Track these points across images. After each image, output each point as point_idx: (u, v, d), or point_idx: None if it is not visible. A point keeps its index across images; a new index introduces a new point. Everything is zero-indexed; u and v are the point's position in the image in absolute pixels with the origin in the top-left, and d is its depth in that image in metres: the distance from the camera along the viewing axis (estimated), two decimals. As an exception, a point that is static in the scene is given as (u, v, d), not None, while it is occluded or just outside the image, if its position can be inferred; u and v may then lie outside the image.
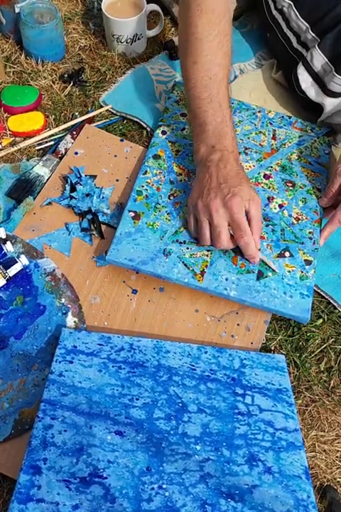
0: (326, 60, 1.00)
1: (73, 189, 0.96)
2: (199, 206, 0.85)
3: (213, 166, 0.87)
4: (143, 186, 0.95)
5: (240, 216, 0.83)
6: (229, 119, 0.91)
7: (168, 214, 0.91)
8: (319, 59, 1.01)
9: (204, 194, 0.85)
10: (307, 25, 1.04)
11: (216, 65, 0.93)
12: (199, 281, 0.85)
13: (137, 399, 0.73)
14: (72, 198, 0.95)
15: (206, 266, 0.86)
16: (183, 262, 0.86)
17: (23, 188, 0.96)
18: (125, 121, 1.11)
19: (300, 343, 0.87)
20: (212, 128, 0.90)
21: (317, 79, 1.03)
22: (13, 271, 0.85)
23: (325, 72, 1.01)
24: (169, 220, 0.91)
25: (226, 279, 0.85)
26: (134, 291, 0.88)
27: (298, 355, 0.86)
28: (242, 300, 0.85)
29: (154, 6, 1.20)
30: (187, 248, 0.88)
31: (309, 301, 0.85)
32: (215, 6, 0.94)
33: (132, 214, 0.91)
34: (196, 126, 0.92)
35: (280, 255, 0.89)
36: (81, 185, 0.96)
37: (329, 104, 1.03)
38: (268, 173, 0.99)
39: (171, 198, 0.94)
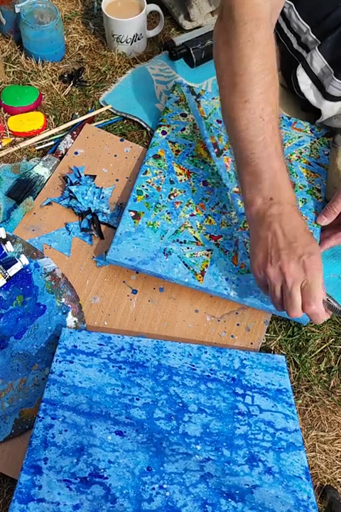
0: (326, 62, 1.00)
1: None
2: (271, 274, 0.75)
3: (275, 221, 0.77)
4: (143, 186, 0.95)
5: (315, 280, 0.73)
6: (285, 167, 0.81)
7: (168, 214, 0.91)
8: (319, 61, 1.01)
9: (272, 257, 0.75)
10: (307, 26, 1.04)
11: (269, 104, 0.82)
12: (199, 281, 0.85)
13: (137, 399, 0.73)
14: (71, 198, 0.95)
15: (206, 266, 0.86)
16: (183, 262, 0.86)
17: (23, 188, 0.96)
18: (125, 121, 1.11)
19: (300, 343, 0.87)
20: (269, 178, 0.79)
21: (317, 81, 1.03)
22: (13, 271, 0.85)
23: (325, 75, 1.01)
24: (169, 220, 0.91)
25: (227, 279, 0.86)
26: (134, 291, 0.88)
27: (298, 355, 0.86)
28: (242, 300, 0.85)
29: (154, 6, 1.20)
30: (188, 248, 0.88)
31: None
32: (268, 36, 0.83)
33: (132, 214, 0.91)
34: (248, 174, 0.81)
35: (281, 255, 0.89)
36: (80, 184, 0.96)
37: (328, 107, 1.03)
38: (268, 173, 0.99)
39: (171, 197, 0.94)
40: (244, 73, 0.81)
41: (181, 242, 0.88)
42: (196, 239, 0.89)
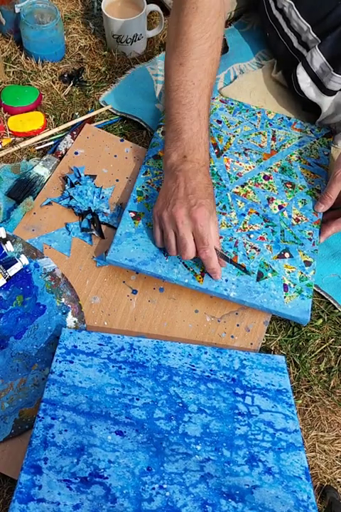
0: (325, 60, 1.00)
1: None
2: (164, 217, 0.82)
3: (182, 175, 0.84)
4: (143, 187, 0.95)
5: (204, 228, 0.80)
6: (205, 131, 0.88)
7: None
8: (318, 59, 1.01)
9: (170, 204, 0.82)
10: (308, 25, 1.04)
11: (202, 71, 0.89)
12: (199, 281, 0.85)
13: (137, 399, 0.73)
14: (71, 198, 0.95)
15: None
16: (183, 263, 0.86)
17: (23, 188, 0.96)
18: (125, 121, 1.11)
19: (300, 343, 0.87)
20: (188, 137, 0.86)
21: (316, 79, 1.03)
22: (13, 271, 0.85)
23: (324, 73, 1.01)
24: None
25: (226, 280, 0.86)
26: (134, 292, 0.88)
27: (298, 355, 0.86)
28: (242, 301, 0.85)
29: (154, 6, 1.20)
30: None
31: (309, 302, 0.85)
32: (212, 5, 0.89)
33: (132, 214, 0.91)
34: (171, 131, 0.89)
35: (280, 256, 0.89)
36: (80, 184, 0.96)
37: (328, 102, 1.03)
38: (267, 174, 0.99)
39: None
40: (183, 38, 0.89)
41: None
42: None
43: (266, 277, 0.87)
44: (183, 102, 0.88)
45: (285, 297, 0.85)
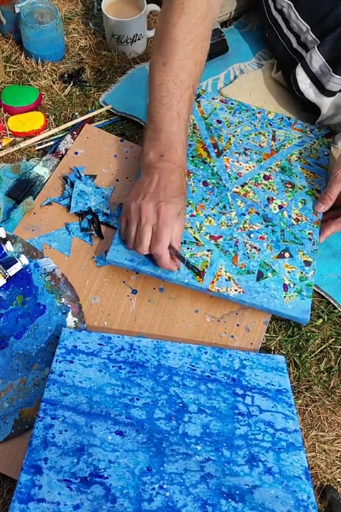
0: (324, 61, 1.00)
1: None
2: (132, 208, 0.84)
3: (157, 173, 0.85)
4: (143, 186, 0.95)
5: (164, 226, 0.81)
6: (184, 132, 0.89)
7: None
8: (318, 60, 1.01)
9: (139, 197, 0.84)
10: (307, 26, 1.04)
11: (185, 72, 0.90)
12: (199, 281, 0.85)
13: (137, 399, 0.73)
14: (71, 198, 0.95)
15: (206, 266, 0.86)
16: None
17: (23, 188, 0.96)
18: (125, 121, 1.11)
19: (300, 343, 0.87)
20: (166, 137, 0.88)
21: (315, 80, 1.03)
22: (13, 271, 0.85)
23: (323, 74, 1.01)
24: (169, 221, 0.91)
25: (226, 280, 0.86)
26: (134, 292, 0.88)
27: (298, 355, 0.86)
28: (242, 301, 0.85)
29: (154, 6, 1.20)
30: (188, 248, 0.88)
31: (309, 302, 0.85)
32: (198, 7, 0.90)
33: (132, 214, 0.91)
34: (150, 129, 0.90)
35: (280, 256, 0.89)
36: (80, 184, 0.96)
37: (327, 103, 1.03)
38: (267, 174, 0.99)
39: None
40: (167, 37, 0.90)
41: (181, 243, 0.88)
42: (196, 239, 0.89)
43: (266, 277, 0.87)
44: (164, 102, 0.89)
45: (285, 297, 0.85)
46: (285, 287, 0.86)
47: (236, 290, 0.85)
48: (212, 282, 0.85)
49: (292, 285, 0.86)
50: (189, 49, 0.90)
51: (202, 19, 0.90)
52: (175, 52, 0.89)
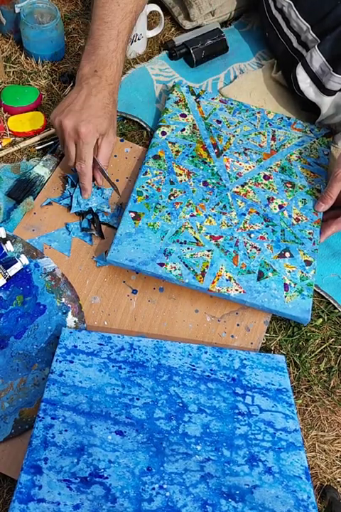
0: (324, 60, 1.00)
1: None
2: (55, 121, 0.87)
3: (86, 88, 0.88)
4: (143, 187, 0.95)
5: (85, 145, 0.85)
6: (121, 51, 0.92)
7: (168, 214, 0.91)
8: (318, 60, 1.01)
9: (64, 113, 0.86)
10: (307, 25, 1.04)
11: None
12: (200, 281, 0.85)
13: (137, 399, 0.73)
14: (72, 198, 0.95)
15: (207, 266, 0.86)
16: (184, 262, 0.86)
17: (23, 188, 0.96)
18: (125, 121, 1.11)
19: (300, 343, 0.87)
20: (103, 53, 0.90)
21: (315, 79, 1.03)
22: (13, 270, 0.85)
23: (324, 73, 1.01)
24: (169, 221, 0.91)
25: (227, 280, 0.86)
26: (134, 291, 0.88)
27: (298, 355, 0.86)
28: (243, 301, 0.85)
29: (154, 6, 1.20)
30: (188, 248, 0.88)
31: (309, 302, 0.85)
32: None
33: (132, 214, 0.91)
34: (89, 45, 0.92)
35: (281, 255, 0.89)
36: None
37: (327, 102, 1.03)
38: (268, 173, 0.99)
39: (171, 198, 0.94)
40: None
41: (181, 243, 0.88)
42: (196, 239, 0.89)
43: (267, 277, 0.87)
44: (105, 20, 0.92)
45: (285, 297, 0.85)
46: (286, 287, 0.86)
47: (236, 290, 0.85)
48: (213, 282, 0.85)
49: (293, 285, 0.86)
50: None
51: None
52: None
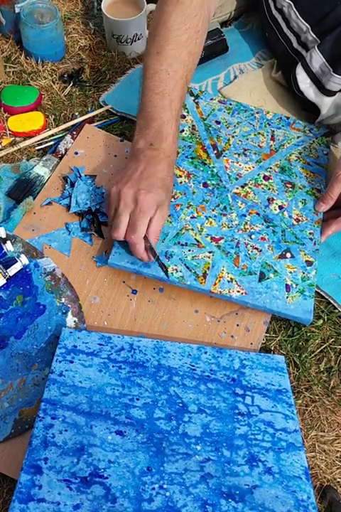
0: (324, 61, 1.00)
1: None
2: (112, 191, 0.84)
3: (144, 161, 0.85)
4: (143, 187, 0.95)
5: (141, 215, 0.81)
6: (175, 121, 0.89)
7: (169, 216, 0.91)
8: (318, 60, 1.01)
9: (123, 181, 0.84)
10: (307, 25, 1.04)
11: (179, 62, 0.90)
12: (201, 283, 0.85)
13: (137, 399, 0.73)
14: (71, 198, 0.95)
15: (208, 268, 0.86)
16: (185, 265, 0.86)
17: (23, 188, 0.96)
18: (125, 121, 1.11)
19: (300, 343, 0.87)
20: (157, 126, 0.87)
21: (315, 79, 1.03)
22: (13, 270, 0.85)
23: (323, 73, 1.01)
24: (170, 222, 0.91)
25: (229, 281, 0.85)
26: (134, 292, 0.88)
27: (297, 355, 0.86)
28: (245, 302, 0.85)
29: (154, 6, 1.19)
30: (189, 250, 0.88)
31: (311, 302, 0.85)
32: None
33: (133, 215, 0.91)
34: (142, 118, 0.90)
35: (282, 256, 0.89)
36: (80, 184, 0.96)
37: (327, 103, 1.03)
38: (267, 174, 0.99)
39: (172, 200, 0.93)
40: (162, 27, 0.90)
41: (182, 245, 0.88)
42: (197, 241, 0.89)
43: (268, 278, 0.86)
44: (156, 91, 0.88)
45: (287, 297, 0.85)
46: (288, 288, 0.86)
47: (238, 291, 0.85)
48: (215, 284, 0.85)
49: (294, 285, 0.86)
50: (183, 39, 0.90)
51: (197, 10, 0.91)
52: (169, 42, 0.89)
